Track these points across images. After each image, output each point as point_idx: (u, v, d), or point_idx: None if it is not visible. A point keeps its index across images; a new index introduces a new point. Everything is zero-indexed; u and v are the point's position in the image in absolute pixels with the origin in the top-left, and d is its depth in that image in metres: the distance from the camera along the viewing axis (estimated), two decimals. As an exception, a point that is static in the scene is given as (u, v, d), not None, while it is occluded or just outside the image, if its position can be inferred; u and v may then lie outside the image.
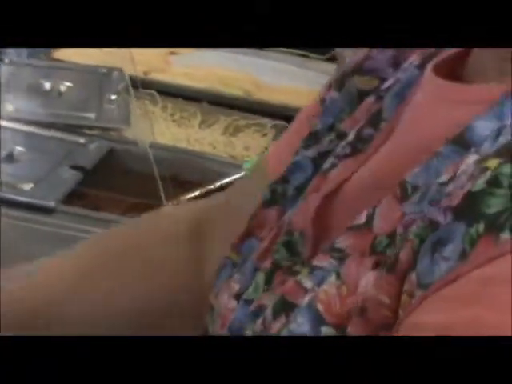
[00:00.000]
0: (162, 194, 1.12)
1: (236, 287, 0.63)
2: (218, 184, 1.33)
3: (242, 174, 1.35)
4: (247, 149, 1.56)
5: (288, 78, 1.89)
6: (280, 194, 0.65)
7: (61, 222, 1.14)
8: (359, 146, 0.61)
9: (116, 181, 1.34)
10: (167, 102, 1.63)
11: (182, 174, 1.37)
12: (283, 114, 1.64)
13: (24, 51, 1.77)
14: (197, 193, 1.31)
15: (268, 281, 0.60)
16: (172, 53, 1.97)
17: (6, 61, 1.57)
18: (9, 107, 1.42)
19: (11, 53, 1.71)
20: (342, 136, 0.64)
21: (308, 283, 0.55)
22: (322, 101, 0.69)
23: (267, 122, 1.62)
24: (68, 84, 1.54)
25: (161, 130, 1.54)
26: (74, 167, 1.27)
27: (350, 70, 0.68)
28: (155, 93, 1.61)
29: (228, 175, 1.35)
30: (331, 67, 1.99)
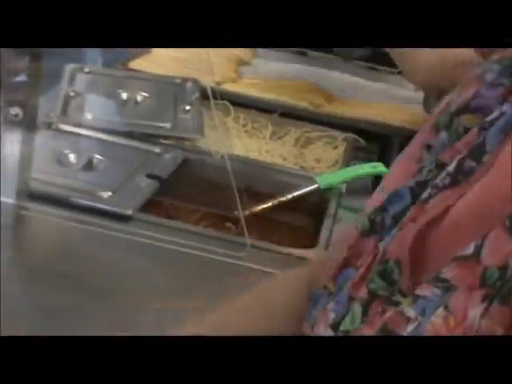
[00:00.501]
0: (239, 204, 1.14)
1: (331, 316, 0.65)
2: (289, 196, 1.34)
3: (313, 186, 1.36)
4: (318, 161, 1.57)
5: (358, 90, 1.89)
6: (378, 224, 0.66)
7: (137, 229, 1.17)
8: (459, 178, 0.61)
9: (190, 190, 1.36)
10: (239, 112, 1.65)
11: (254, 185, 1.38)
12: (354, 127, 1.65)
13: (100, 60, 1.82)
14: (269, 204, 1.33)
15: (365, 311, 0.61)
16: (243, 63, 1.99)
17: (85, 70, 1.61)
18: (87, 116, 1.46)
19: (88, 62, 1.75)
20: (441, 166, 0.64)
21: (411, 312, 0.56)
22: (428, 146, 0.69)
23: (338, 134, 1.63)
24: (144, 94, 1.58)
25: (233, 140, 1.57)
26: (150, 176, 1.29)
27: (457, 109, 0.68)
28: (228, 103, 1.63)
29: (299, 187, 1.36)
30: (400, 80, 1.99)
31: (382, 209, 0.67)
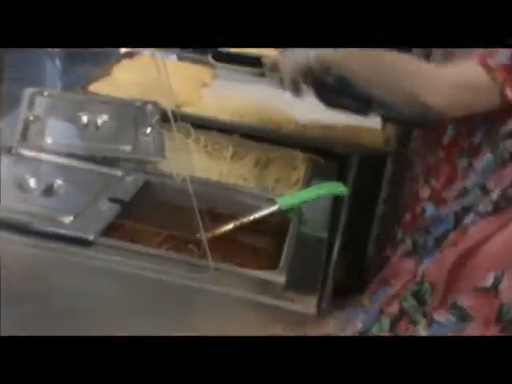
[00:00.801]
0: (201, 227, 1.14)
1: (359, 326, 0.66)
2: (251, 217, 1.35)
3: (274, 207, 1.37)
4: (278, 181, 1.58)
5: (319, 111, 1.91)
6: (421, 246, 0.69)
7: (99, 254, 1.17)
8: (502, 206, 0.63)
9: (152, 213, 1.37)
10: (200, 134, 1.66)
11: (216, 206, 1.39)
12: (314, 148, 1.67)
13: (59, 84, 1.82)
14: (231, 226, 1.34)
15: (393, 326, 0.63)
16: (204, 85, 2.01)
17: (45, 93, 1.60)
18: (48, 140, 1.45)
19: (47, 86, 1.75)
20: (485, 192, 0.66)
21: (424, 335, 0.58)
22: (469, 164, 0.71)
23: (298, 154, 1.65)
24: (104, 117, 1.58)
25: (194, 162, 1.57)
26: (112, 199, 1.29)
27: (505, 134, 0.70)
28: (188, 125, 1.64)
29: (260, 208, 1.37)
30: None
31: (426, 230, 0.69)
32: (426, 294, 0.64)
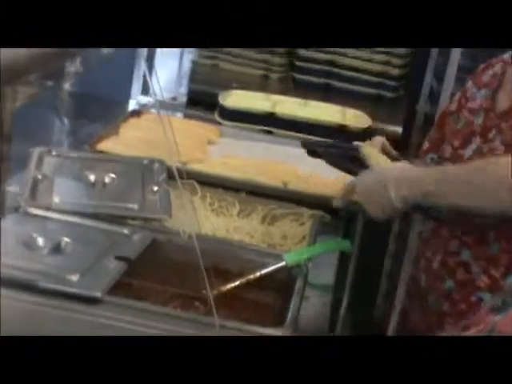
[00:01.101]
0: (207, 284, 1.15)
1: None
2: (257, 274, 1.36)
3: (281, 264, 1.37)
4: (285, 238, 1.59)
5: (325, 168, 1.93)
6: (509, 304, 0.78)
7: (106, 312, 1.17)
8: None
9: (159, 271, 1.37)
10: (206, 191, 1.67)
11: (222, 263, 1.40)
12: (320, 204, 1.68)
13: (66, 143, 1.84)
14: (237, 282, 1.34)
15: None
16: (210, 142, 2.03)
17: (53, 153, 1.62)
18: (56, 199, 1.47)
19: (55, 145, 1.77)
20: None
21: None
22: None
23: (305, 211, 1.66)
24: (111, 175, 1.59)
25: (200, 219, 1.58)
26: (119, 258, 1.30)
27: None
28: (194, 183, 1.65)
29: (267, 265, 1.38)
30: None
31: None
32: None
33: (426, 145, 1.61)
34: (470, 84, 1.56)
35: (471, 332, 0.72)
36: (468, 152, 1.46)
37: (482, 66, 1.56)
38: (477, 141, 1.45)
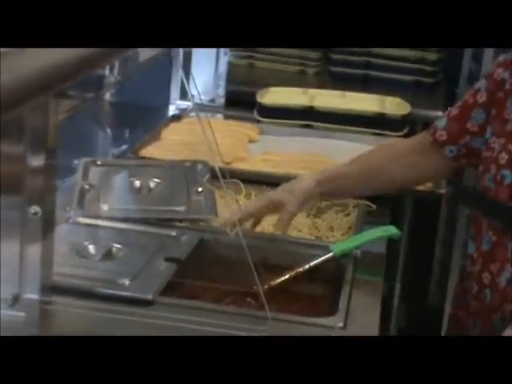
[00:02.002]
0: (257, 279, 1.16)
1: None
2: (306, 266, 1.37)
3: (329, 255, 1.38)
4: (331, 229, 1.59)
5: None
6: None
7: (160, 313, 1.19)
8: None
9: (208, 269, 1.39)
10: (250, 189, 1.69)
11: (270, 258, 1.41)
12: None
13: (111, 152, 1.87)
14: (287, 276, 1.35)
15: None
16: (251, 141, 2.04)
17: (98, 162, 1.65)
18: (103, 207, 1.50)
19: (100, 155, 1.80)
20: None
21: None
22: None
23: (349, 201, 1.66)
24: (156, 180, 1.62)
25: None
26: (169, 259, 1.32)
27: None
28: (238, 181, 1.67)
29: (315, 257, 1.39)
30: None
31: None
32: None
33: (442, 135, 1.46)
34: (501, 73, 1.39)
35: None
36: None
37: None
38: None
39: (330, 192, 1.55)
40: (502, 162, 1.33)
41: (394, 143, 1.76)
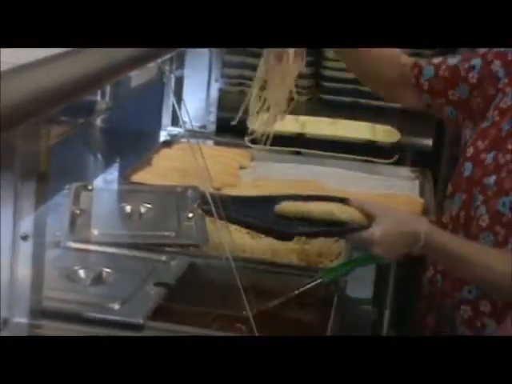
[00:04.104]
0: (246, 304, 1.17)
1: None
2: (295, 292, 1.37)
3: (318, 280, 1.39)
4: (320, 255, 1.60)
5: (355, 183, 1.94)
6: None
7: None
8: None
9: (198, 294, 1.39)
10: (241, 215, 1.69)
11: (260, 283, 1.42)
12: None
13: (100, 177, 1.88)
14: (276, 301, 1.36)
15: None
16: (242, 167, 2.06)
17: (89, 187, 1.66)
18: (94, 232, 1.50)
19: (90, 180, 1.81)
20: None
21: None
22: None
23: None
24: (147, 205, 1.63)
25: (236, 242, 1.60)
26: (158, 284, 1.33)
27: None
28: (229, 207, 1.67)
29: (304, 283, 1.39)
30: (396, 171, 2.04)
31: None
32: None
33: (424, 85, 1.51)
34: (497, 66, 1.41)
35: None
36: (489, 158, 1.39)
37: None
38: (498, 147, 1.39)
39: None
40: (468, 155, 1.42)
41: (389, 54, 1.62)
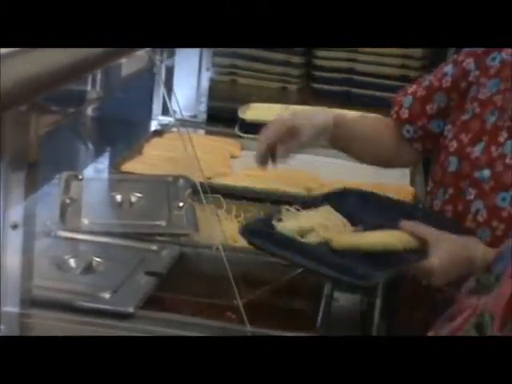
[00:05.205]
0: (237, 293, 1.17)
1: None
2: (284, 280, 1.38)
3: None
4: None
5: (347, 173, 1.94)
6: (484, 284, 0.74)
7: (140, 326, 1.19)
8: None
9: (189, 283, 1.40)
10: (231, 204, 1.69)
11: (250, 272, 1.42)
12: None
13: (91, 166, 1.88)
14: (266, 289, 1.36)
15: None
16: (232, 156, 2.06)
17: (79, 177, 1.66)
18: (84, 221, 1.50)
19: (81, 169, 1.81)
20: None
21: None
22: None
23: (330, 217, 1.67)
24: (137, 194, 1.63)
25: (226, 231, 1.60)
26: (149, 273, 1.33)
27: None
28: (219, 196, 1.68)
29: (294, 271, 1.39)
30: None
31: (488, 270, 0.75)
32: (488, 326, 0.69)
33: (404, 113, 1.50)
34: (469, 63, 1.43)
35: (460, 322, 0.73)
36: (476, 151, 1.38)
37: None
38: (486, 139, 1.38)
39: (338, 136, 1.49)
40: (451, 149, 1.41)
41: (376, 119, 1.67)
